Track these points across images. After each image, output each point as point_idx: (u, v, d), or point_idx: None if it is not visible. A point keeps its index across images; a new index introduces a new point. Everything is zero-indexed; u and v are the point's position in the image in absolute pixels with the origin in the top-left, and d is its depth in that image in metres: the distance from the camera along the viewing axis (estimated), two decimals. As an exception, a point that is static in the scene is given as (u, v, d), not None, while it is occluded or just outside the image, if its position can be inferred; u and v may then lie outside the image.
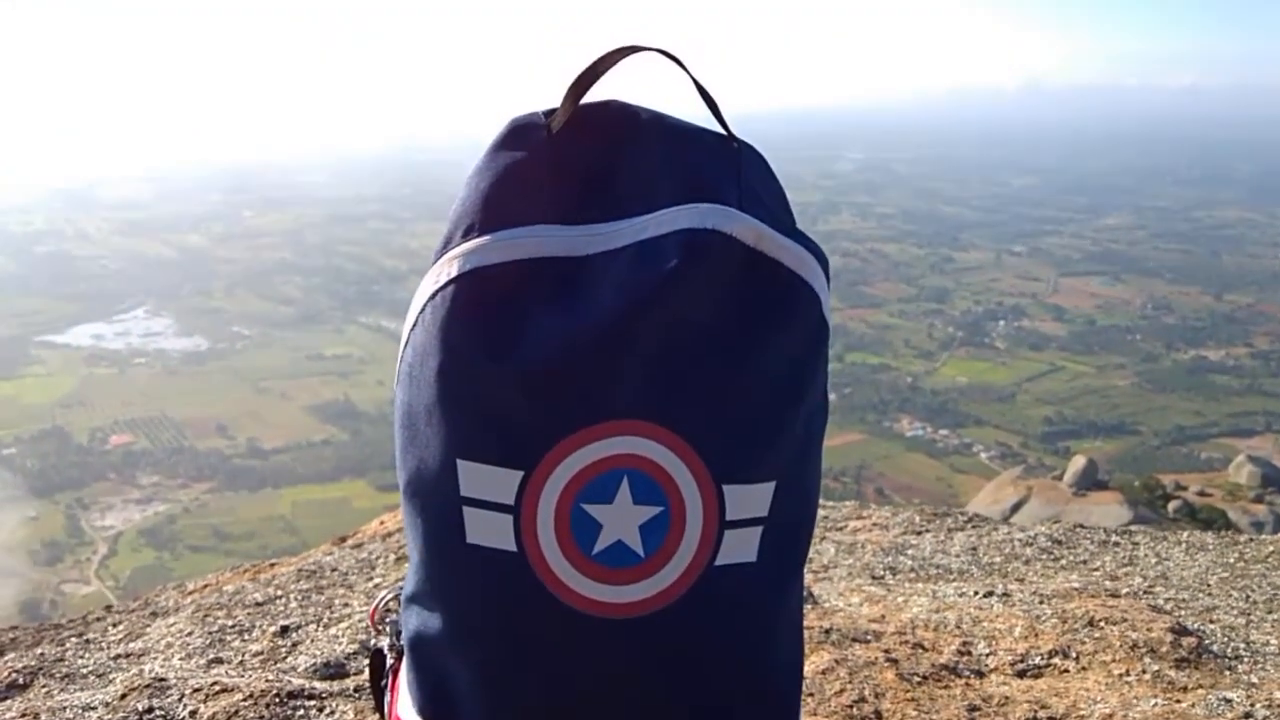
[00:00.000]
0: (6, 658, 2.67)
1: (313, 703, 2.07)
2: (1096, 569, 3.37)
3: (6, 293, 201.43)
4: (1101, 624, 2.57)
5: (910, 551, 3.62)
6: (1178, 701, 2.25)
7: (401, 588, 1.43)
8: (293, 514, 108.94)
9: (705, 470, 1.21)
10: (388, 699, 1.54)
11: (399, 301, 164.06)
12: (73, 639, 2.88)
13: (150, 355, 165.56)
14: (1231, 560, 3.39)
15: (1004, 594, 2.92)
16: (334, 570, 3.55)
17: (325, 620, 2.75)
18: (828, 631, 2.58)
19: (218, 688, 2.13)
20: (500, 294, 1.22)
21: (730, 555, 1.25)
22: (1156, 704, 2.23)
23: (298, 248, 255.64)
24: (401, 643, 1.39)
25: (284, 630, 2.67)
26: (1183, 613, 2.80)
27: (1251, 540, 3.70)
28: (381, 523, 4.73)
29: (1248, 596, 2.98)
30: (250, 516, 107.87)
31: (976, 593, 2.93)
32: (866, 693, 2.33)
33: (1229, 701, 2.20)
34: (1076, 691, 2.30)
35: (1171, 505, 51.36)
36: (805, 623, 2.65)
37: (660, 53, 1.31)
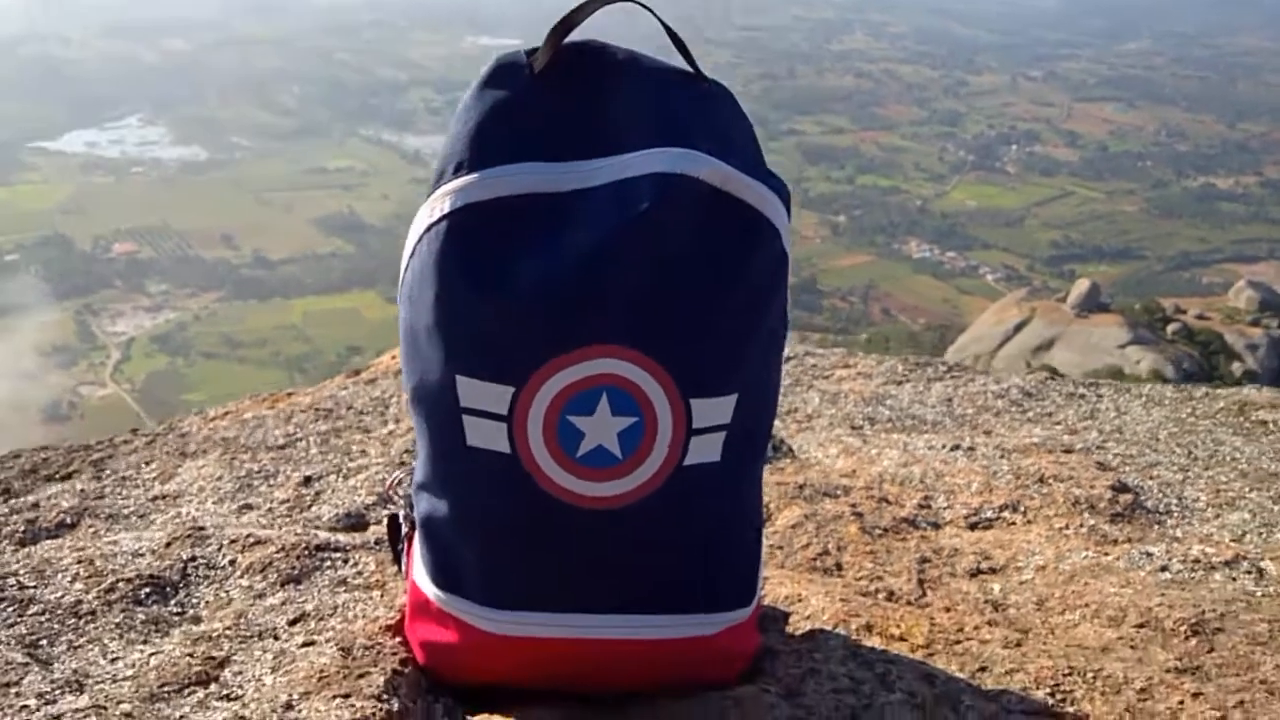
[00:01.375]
0: (50, 493, 2.93)
1: (338, 555, 2.18)
2: (1059, 423, 3.59)
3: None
4: (1050, 480, 2.82)
5: (889, 402, 3.81)
6: (1105, 554, 2.38)
7: (412, 469, 1.64)
8: (304, 323, 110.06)
9: (675, 387, 1.41)
10: (404, 561, 1.73)
11: (400, 113, 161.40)
12: (110, 478, 3.13)
13: (147, 164, 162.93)
14: (1184, 415, 3.61)
15: (969, 447, 3.15)
16: (349, 409, 3.76)
17: (344, 470, 2.98)
18: (801, 487, 2.72)
19: (252, 540, 2.23)
20: (488, 229, 1.35)
21: (697, 456, 1.46)
22: (1086, 556, 2.37)
23: (291, 55, 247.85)
24: (415, 515, 1.59)
25: (307, 480, 2.91)
26: (1128, 469, 3.04)
27: (1206, 395, 3.93)
28: (393, 358, 4.87)
29: (1190, 452, 3.21)
30: (261, 325, 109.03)
31: (944, 446, 3.18)
32: (830, 546, 2.43)
33: (1150, 555, 2.34)
34: (1018, 544, 2.45)
35: (1170, 328, 51.61)
36: (781, 478, 2.83)
37: (635, 1, 1.55)
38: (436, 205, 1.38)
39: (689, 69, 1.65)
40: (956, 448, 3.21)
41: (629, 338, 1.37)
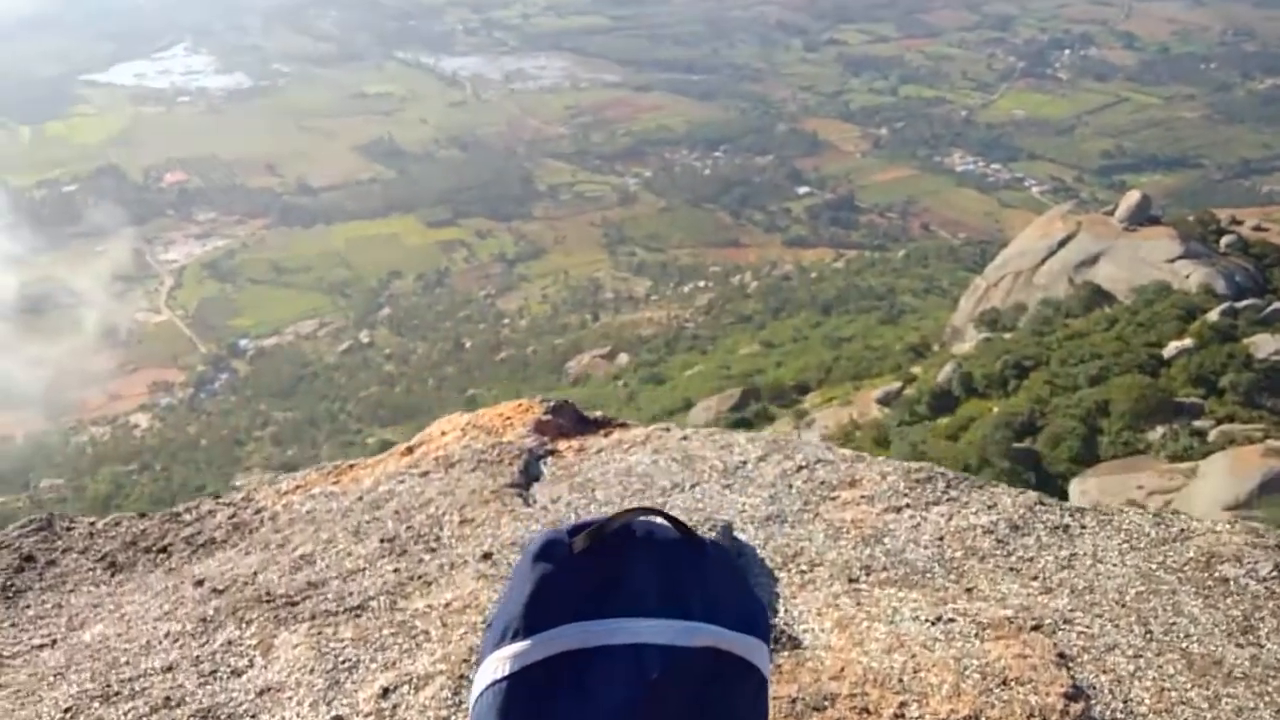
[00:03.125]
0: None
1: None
2: (1036, 576, 3.91)
3: (44, 33, 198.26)
4: (1012, 684, 3.07)
5: (887, 542, 4.08)
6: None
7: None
8: (346, 249, 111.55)
9: None
10: None
11: (437, 36, 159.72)
12: (220, 647, 3.64)
13: (193, 93, 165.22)
14: (1154, 567, 3.87)
15: (949, 619, 3.57)
16: (408, 528, 4.25)
17: (414, 680, 3.43)
18: (793, 701, 3.04)
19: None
20: (537, 684, 1.75)
21: None
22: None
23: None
24: None
25: (384, 692, 3.41)
26: (1086, 658, 3.39)
27: (1180, 536, 4.16)
28: (443, 433, 5.38)
29: (1148, 628, 3.53)
30: (306, 252, 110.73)
31: (928, 619, 3.59)
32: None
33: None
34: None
35: (1224, 240, 50.07)
36: (776, 689, 3.04)
37: (659, 514, 1.95)
38: (498, 666, 1.78)
39: (694, 537, 2.00)
40: (938, 620, 3.50)
41: None
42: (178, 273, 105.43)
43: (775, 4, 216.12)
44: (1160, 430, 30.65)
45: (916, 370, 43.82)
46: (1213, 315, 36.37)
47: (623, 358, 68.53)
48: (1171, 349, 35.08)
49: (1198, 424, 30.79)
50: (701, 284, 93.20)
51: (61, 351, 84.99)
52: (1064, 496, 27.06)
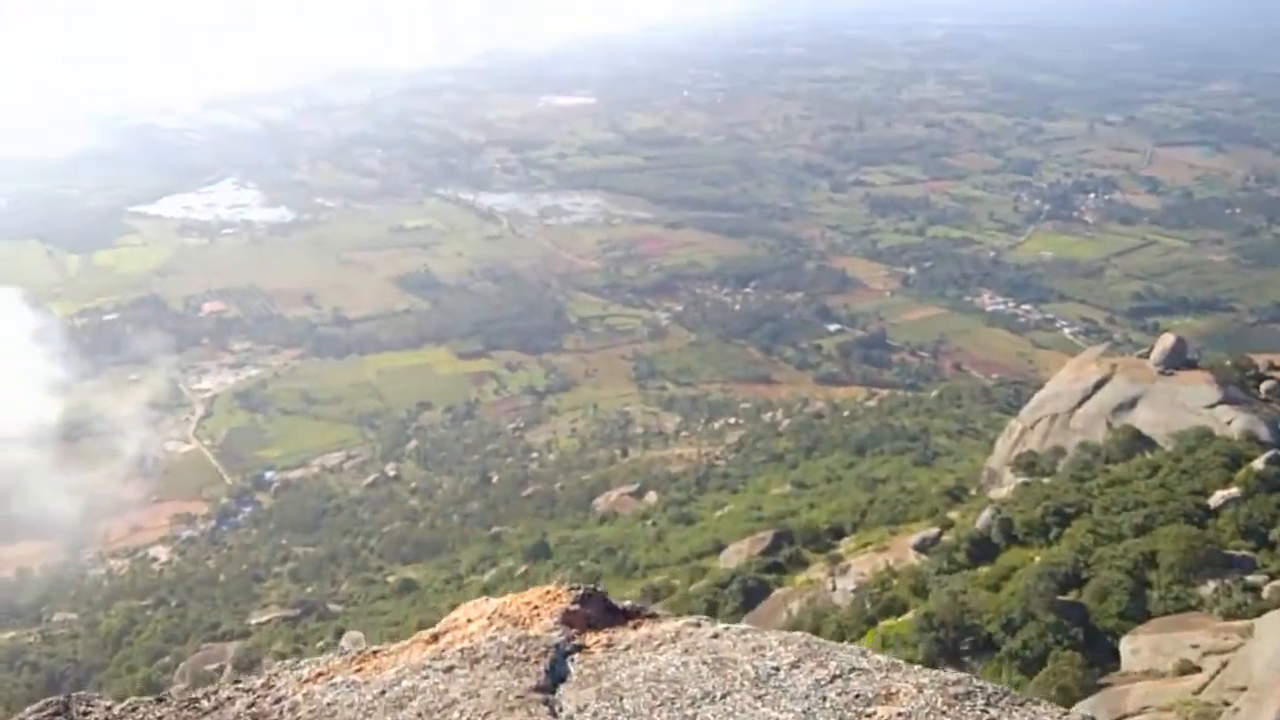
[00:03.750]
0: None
1: None
2: None
3: (103, 166, 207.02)
4: None
5: None
6: None
7: None
8: (377, 380, 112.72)
9: None
10: None
11: (476, 174, 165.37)
12: None
13: (238, 226, 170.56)
14: None
15: None
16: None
17: None
18: None
19: None
20: None
21: None
22: None
23: (375, 120, 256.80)
24: None
25: None
26: None
27: None
28: (469, 620, 5.09)
29: None
30: (337, 383, 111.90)
31: None
32: None
33: None
34: None
35: (1264, 386, 49.30)
36: None
37: None
38: None
39: None
40: None
41: None
42: (209, 401, 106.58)
43: (802, 146, 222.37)
44: (1212, 585, 29.41)
45: (954, 515, 42.80)
46: (1258, 463, 35.32)
47: (651, 495, 67.67)
48: (1218, 498, 34.04)
49: (1251, 579, 29.56)
50: (732, 420, 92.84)
51: (89, 481, 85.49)
52: (1114, 655, 25.86)
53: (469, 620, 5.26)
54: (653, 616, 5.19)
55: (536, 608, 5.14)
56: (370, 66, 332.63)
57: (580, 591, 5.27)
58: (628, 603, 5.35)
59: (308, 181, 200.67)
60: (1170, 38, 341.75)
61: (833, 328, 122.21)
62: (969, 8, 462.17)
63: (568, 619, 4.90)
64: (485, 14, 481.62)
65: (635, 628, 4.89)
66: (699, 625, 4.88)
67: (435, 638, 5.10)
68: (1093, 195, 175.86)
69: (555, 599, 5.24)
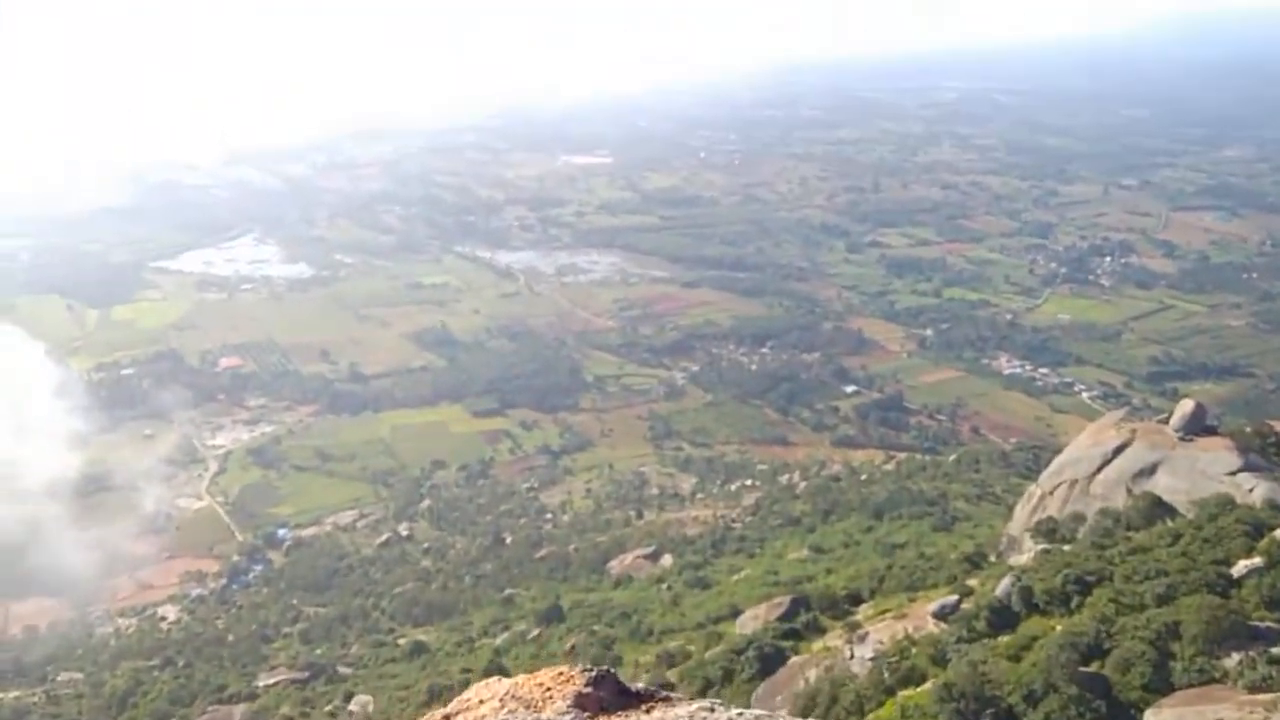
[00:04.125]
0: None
1: None
2: None
3: (126, 221, 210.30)
4: None
5: None
6: None
7: None
8: (392, 437, 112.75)
9: None
10: None
11: (494, 231, 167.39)
12: None
13: (257, 281, 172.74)
14: None
15: None
16: None
17: None
18: None
19: None
20: None
21: None
22: None
23: (396, 177, 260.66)
24: None
25: None
26: None
27: None
28: (481, 701, 4.97)
29: None
30: (351, 439, 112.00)
31: None
32: None
33: None
34: None
35: (1287, 453, 48.85)
36: None
37: None
38: None
39: None
40: None
41: None
42: (223, 458, 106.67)
43: (818, 207, 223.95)
44: (1236, 657, 28.80)
45: (973, 582, 42.17)
46: (1280, 533, 34.90)
47: (667, 558, 67.01)
48: (1241, 568, 33.50)
49: (1276, 651, 28.97)
50: (749, 482, 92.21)
51: (101, 536, 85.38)
52: (1139, 730, 25.24)
53: (481, 701, 5.13)
54: (666, 699, 5.12)
55: (549, 689, 5.01)
56: (392, 124, 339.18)
57: (593, 673, 5.13)
58: (640, 686, 5.20)
59: (327, 238, 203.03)
60: (1180, 103, 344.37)
61: (850, 389, 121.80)
62: (980, 72, 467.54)
63: (580, 702, 4.80)
64: (505, 74, 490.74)
65: (648, 711, 4.82)
66: (713, 710, 4.81)
67: (447, 718, 4.97)
68: (1109, 259, 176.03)
69: (568, 680, 5.10)
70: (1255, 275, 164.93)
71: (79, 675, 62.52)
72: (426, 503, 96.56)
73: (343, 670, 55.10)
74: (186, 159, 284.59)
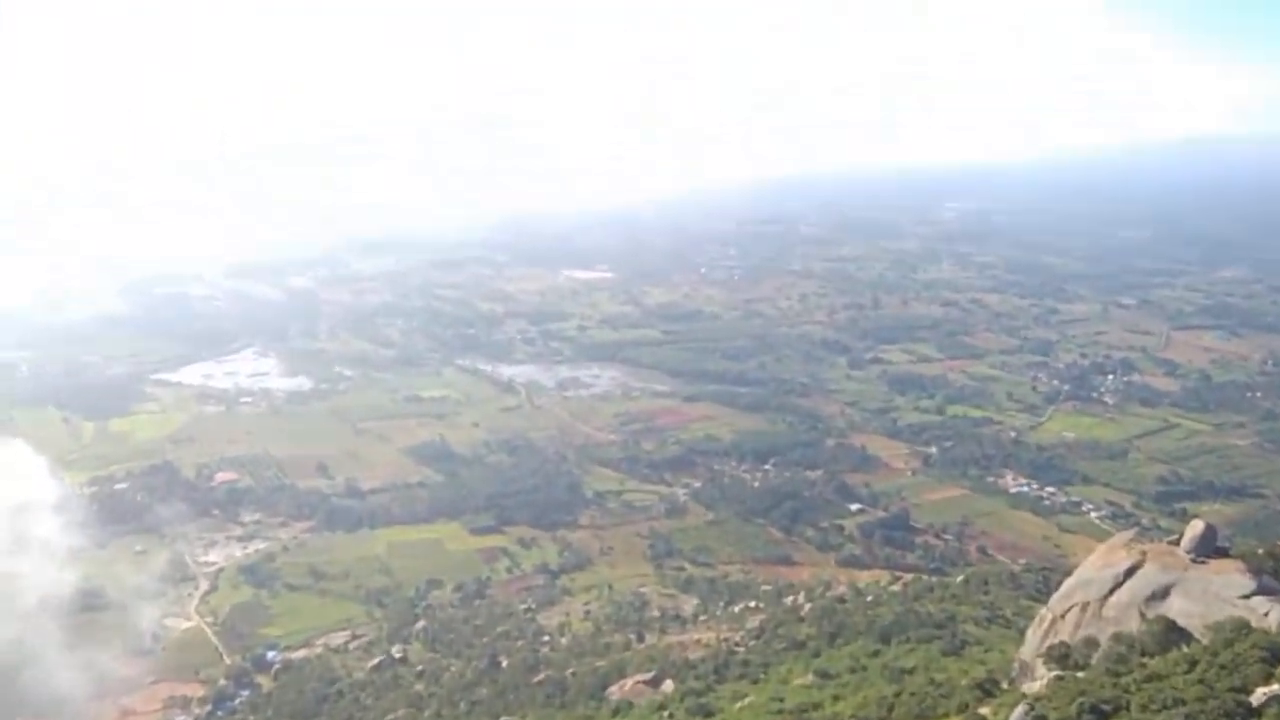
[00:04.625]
0: None
1: None
2: None
3: (127, 333, 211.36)
4: None
5: None
6: None
7: None
8: (387, 555, 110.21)
9: None
10: None
11: (496, 344, 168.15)
12: None
13: (256, 394, 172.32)
14: None
15: None
16: None
17: None
18: None
19: None
20: None
21: None
22: None
23: (398, 291, 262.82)
24: None
25: None
26: None
27: None
28: None
29: None
30: (346, 557, 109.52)
31: None
32: None
33: None
34: None
35: (1299, 575, 47.78)
36: None
37: None
38: None
39: None
40: None
41: None
42: (215, 575, 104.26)
43: (819, 323, 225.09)
44: (1264, 795, 27.40)
45: (985, 711, 40.56)
46: (1298, 658, 33.64)
47: (668, 684, 64.63)
48: (1260, 696, 32.30)
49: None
50: (752, 603, 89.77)
51: (85, 659, 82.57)
52: None
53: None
54: None
55: None
56: (396, 236, 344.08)
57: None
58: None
59: (328, 350, 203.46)
60: (1176, 224, 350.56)
61: (854, 507, 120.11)
62: (976, 191, 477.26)
63: None
64: (507, 188, 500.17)
65: None
66: None
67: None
68: (1111, 376, 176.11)
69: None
70: (1258, 394, 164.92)
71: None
72: (421, 623, 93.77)
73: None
74: (192, 270, 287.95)
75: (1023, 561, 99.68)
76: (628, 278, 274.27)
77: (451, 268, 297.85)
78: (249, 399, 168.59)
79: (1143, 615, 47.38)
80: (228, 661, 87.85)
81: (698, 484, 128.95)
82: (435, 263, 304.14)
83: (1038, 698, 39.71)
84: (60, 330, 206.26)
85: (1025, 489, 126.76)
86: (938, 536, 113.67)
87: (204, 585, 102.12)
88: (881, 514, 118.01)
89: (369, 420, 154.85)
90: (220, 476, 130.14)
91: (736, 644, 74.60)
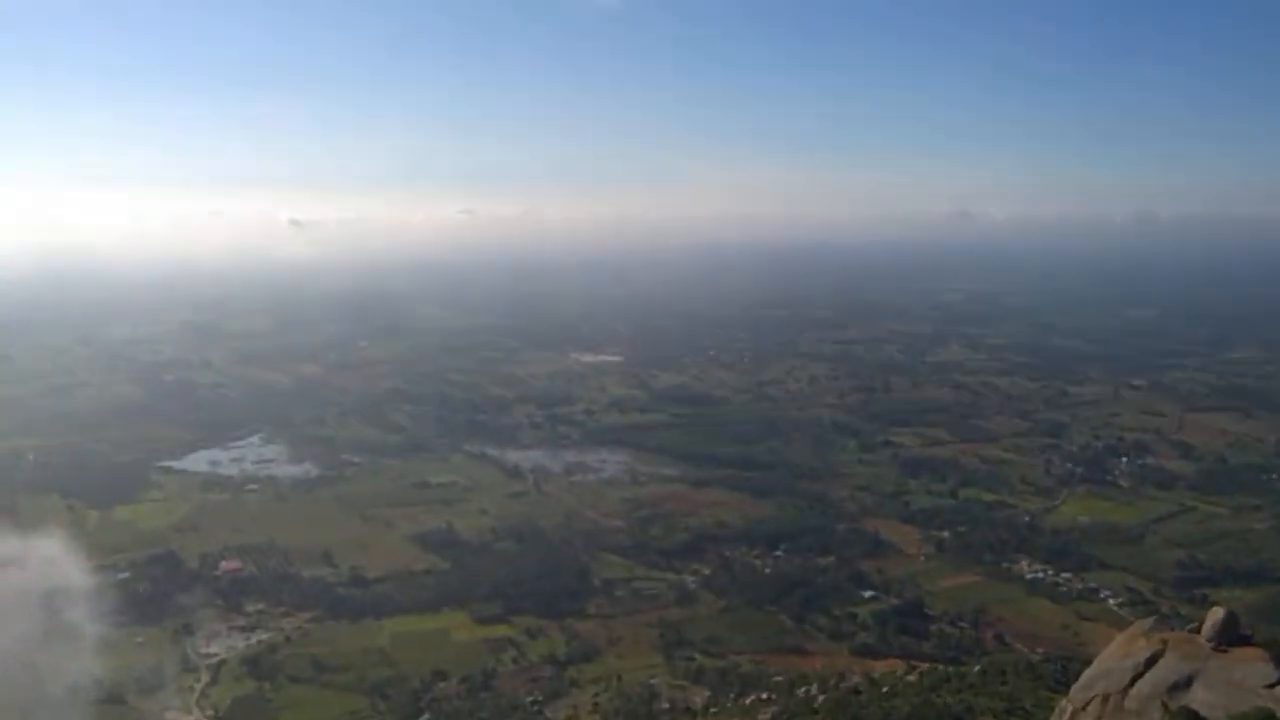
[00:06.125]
0: None
1: None
2: None
3: (134, 419, 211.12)
4: None
5: None
6: None
7: None
8: (392, 645, 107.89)
9: None
10: None
11: (503, 429, 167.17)
12: None
13: (262, 481, 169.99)
14: None
15: None
16: None
17: None
18: None
19: None
20: None
21: None
22: None
23: (408, 376, 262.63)
24: None
25: None
26: None
27: None
28: None
29: None
30: (350, 648, 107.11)
31: None
32: None
33: None
34: None
35: (1324, 664, 46.21)
36: None
37: None
38: None
39: None
40: None
41: None
42: (216, 667, 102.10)
43: (829, 406, 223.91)
44: None
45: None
46: (1332, 754, 32.18)
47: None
48: (1288, 791, 30.92)
49: None
50: (764, 695, 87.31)
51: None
52: None
53: None
54: None
55: None
56: (409, 323, 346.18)
57: None
58: None
59: (336, 437, 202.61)
60: (1184, 305, 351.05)
61: (867, 594, 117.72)
62: (984, 273, 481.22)
63: None
64: (515, 280, 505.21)
65: None
66: None
67: None
68: (1125, 459, 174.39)
69: None
70: (1275, 476, 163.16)
71: None
72: (426, 716, 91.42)
73: None
74: (202, 357, 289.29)
75: (1041, 650, 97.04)
76: (637, 360, 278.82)
77: (463, 353, 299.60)
78: (255, 486, 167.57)
79: (1165, 707, 45.75)
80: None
81: (707, 571, 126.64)
82: (447, 348, 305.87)
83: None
84: (70, 417, 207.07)
85: (1041, 575, 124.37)
86: (953, 624, 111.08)
87: (205, 678, 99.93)
88: (895, 601, 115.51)
89: (375, 507, 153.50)
90: (224, 565, 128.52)
91: (749, 740, 72.41)
